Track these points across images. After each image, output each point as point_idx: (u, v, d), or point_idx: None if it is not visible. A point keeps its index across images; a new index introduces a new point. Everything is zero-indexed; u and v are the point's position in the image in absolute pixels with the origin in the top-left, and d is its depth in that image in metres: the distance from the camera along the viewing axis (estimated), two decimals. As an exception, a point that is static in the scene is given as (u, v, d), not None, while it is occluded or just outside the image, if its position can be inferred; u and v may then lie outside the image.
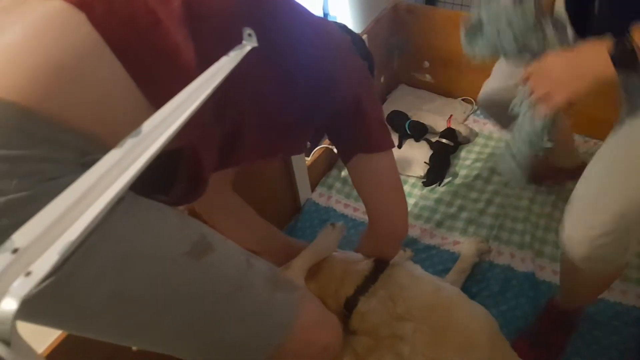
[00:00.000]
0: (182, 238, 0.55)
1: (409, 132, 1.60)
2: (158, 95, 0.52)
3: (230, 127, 0.65)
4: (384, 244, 0.95)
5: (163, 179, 0.61)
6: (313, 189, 1.51)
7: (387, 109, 1.70)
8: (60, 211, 0.44)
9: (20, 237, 0.42)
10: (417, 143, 1.59)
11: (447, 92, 1.77)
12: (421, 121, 1.61)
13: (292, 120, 0.75)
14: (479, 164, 1.51)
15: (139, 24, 0.53)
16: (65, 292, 0.48)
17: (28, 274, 0.40)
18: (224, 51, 0.53)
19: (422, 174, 1.50)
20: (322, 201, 1.48)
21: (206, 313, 0.56)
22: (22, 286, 0.40)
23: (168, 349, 0.58)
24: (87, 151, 0.49)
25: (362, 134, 0.81)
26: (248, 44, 0.53)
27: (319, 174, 1.55)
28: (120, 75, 0.51)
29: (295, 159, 1.35)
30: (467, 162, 1.53)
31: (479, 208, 1.38)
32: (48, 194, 0.44)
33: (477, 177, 1.47)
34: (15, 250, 0.41)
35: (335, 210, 1.45)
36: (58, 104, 0.47)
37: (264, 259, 0.66)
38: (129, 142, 0.45)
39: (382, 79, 1.75)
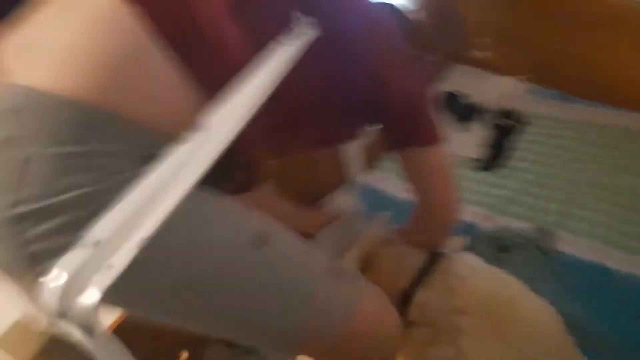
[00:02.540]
0: (244, 229, 0.56)
1: (464, 112, 1.55)
2: (209, 85, 0.52)
3: (284, 115, 0.64)
4: (433, 235, 0.93)
5: (220, 167, 0.61)
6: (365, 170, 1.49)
7: (442, 88, 1.65)
8: (137, 205, 0.44)
9: (101, 231, 0.43)
10: (473, 123, 1.54)
11: (504, 70, 1.69)
12: (477, 101, 1.56)
13: (344, 108, 0.73)
14: (538, 147, 1.45)
15: (184, 13, 0.53)
16: (133, 280, 0.49)
17: (109, 266, 0.41)
18: (278, 33, 0.52)
19: (478, 156, 1.45)
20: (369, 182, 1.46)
21: (267, 302, 0.57)
22: (104, 278, 0.41)
23: (230, 333, 0.60)
24: (146, 144, 0.50)
25: (413, 127, 0.80)
26: (308, 32, 0.51)
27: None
28: (173, 67, 0.52)
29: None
30: (525, 144, 1.47)
31: (543, 193, 1.33)
32: (117, 187, 0.46)
33: (537, 159, 1.41)
34: (97, 243, 0.42)
35: (384, 192, 1.43)
36: (119, 100, 0.49)
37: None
38: (198, 136, 0.45)
39: (437, 56, 1.69)
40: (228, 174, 0.62)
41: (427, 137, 0.81)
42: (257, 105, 0.47)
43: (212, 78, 0.53)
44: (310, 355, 0.66)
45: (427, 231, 0.93)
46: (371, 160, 1.50)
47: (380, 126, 0.85)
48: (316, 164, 1.26)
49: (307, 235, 1.12)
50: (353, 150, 1.36)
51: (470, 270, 0.86)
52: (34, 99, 0.46)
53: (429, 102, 0.81)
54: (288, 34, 0.49)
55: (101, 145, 0.47)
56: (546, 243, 1.20)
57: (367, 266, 0.94)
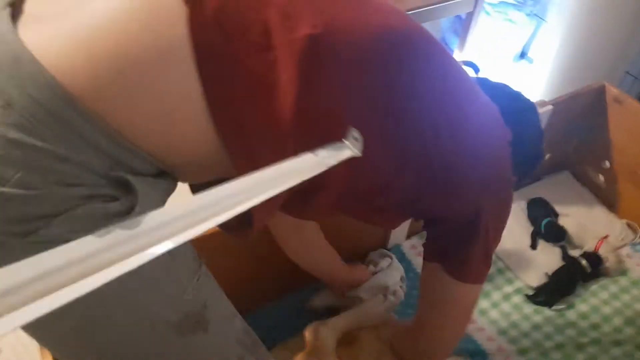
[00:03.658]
0: (178, 303, 0.49)
1: (542, 231, 1.36)
2: (231, 130, 0.44)
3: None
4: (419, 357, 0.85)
5: None
6: (409, 236, 1.38)
7: (535, 191, 1.47)
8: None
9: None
10: (548, 248, 1.35)
11: (614, 207, 1.46)
12: (565, 226, 1.37)
13: (385, 205, 0.63)
14: (607, 309, 1.24)
15: (245, 42, 0.45)
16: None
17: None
18: (337, 109, 0.43)
19: (535, 285, 1.28)
20: (410, 253, 1.34)
21: None
22: None
23: None
24: (118, 165, 0.44)
25: (459, 254, 0.67)
26: (349, 150, 0.42)
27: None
28: (195, 94, 0.44)
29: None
30: (593, 299, 1.27)
31: (581, 359, 1.14)
32: (57, 200, 0.40)
33: (597, 321, 1.21)
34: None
35: (416, 268, 1.31)
36: (112, 104, 0.42)
37: (269, 357, 0.58)
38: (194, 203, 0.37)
39: (547, 156, 1.50)
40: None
41: (467, 272, 0.69)
42: (265, 197, 0.38)
43: (237, 121, 0.46)
44: None
45: (411, 350, 0.84)
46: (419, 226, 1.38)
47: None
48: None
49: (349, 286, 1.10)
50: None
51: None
52: (23, 65, 0.40)
53: (494, 235, 0.68)
54: (332, 144, 0.40)
55: (57, 145, 0.41)
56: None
57: (346, 341, 0.89)
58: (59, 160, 0.41)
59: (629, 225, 1.42)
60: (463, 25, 1.81)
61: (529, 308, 1.25)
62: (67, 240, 0.42)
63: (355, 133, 0.40)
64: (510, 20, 1.93)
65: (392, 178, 0.56)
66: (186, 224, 0.27)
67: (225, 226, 0.59)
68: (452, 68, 0.57)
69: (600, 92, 1.37)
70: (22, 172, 0.40)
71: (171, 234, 0.27)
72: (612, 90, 1.35)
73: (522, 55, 2.11)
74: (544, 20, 2.00)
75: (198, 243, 0.87)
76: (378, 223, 0.76)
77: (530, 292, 1.27)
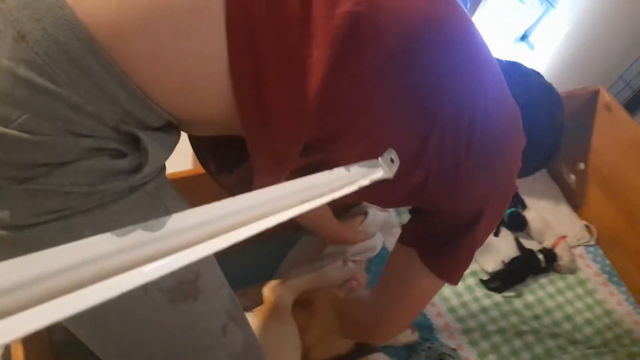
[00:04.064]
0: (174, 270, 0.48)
1: (505, 219, 1.41)
2: (250, 100, 0.42)
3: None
4: (367, 336, 0.87)
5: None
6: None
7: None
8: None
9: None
10: (509, 237, 1.40)
11: (578, 207, 1.52)
12: (529, 219, 1.41)
13: (389, 191, 0.61)
14: (550, 302, 1.32)
15: (282, 11, 0.41)
16: None
17: None
18: (364, 95, 0.41)
19: (490, 270, 1.33)
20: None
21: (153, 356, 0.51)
22: None
23: None
24: (130, 118, 0.41)
25: (445, 250, 0.66)
26: (383, 171, 0.40)
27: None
28: (220, 56, 0.41)
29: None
30: (540, 291, 1.34)
31: (518, 345, 1.22)
32: (63, 149, 0.37)
33: (539, 313, 1.29)
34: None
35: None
36: (135, 56, 0.39)
37: (249, 327, 0.58)
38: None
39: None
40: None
41: (451, 274, 0.67)
42: (286, 218, 0.33)
43: (258, 93, 0.43)
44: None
45: (363, 327, 0.86)
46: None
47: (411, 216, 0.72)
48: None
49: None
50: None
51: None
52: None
53: (484, 236, 0.67)
54: (367, 162, 0.37)
55: (83, 98, 0.38)
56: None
57: (302, 302, 0.92)
58: (71, 108, 0.37)
59: (587, 228, 1.48)
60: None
61: (480, 291, 1.31)
62: (67, 193, 0.40)
63: (393, 155, 0.38)
64: (522, 0, 1.88)
65: (407, 168, 0.53)
66: (211, 232, 0.25)
67: (225, 185, 0.57)
68: (485, 63, 0.55)
69: (594, 96, 1.38)
70: (29, 114, 0.36)
71: (195, 241, 0.25)
72: (606, 97, 1.36)
73: (524, 37, 2.08)
74: (553, 6, 1.97)
75: (180, 183, 0.85)
76: (375, 202, 0.75)
77: (485, 277, 1.33)
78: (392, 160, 0.38)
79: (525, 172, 0.71)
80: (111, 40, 0.37)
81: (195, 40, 0.40)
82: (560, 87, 1.63)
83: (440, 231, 0.65)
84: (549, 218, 1.46)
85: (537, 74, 0.73)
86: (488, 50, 0.57)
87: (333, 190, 0.31)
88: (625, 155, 1.33)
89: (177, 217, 0.25)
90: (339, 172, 0.33)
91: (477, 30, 0.56)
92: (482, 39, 0.57)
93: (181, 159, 0.66)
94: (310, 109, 0.42)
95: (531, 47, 2.06)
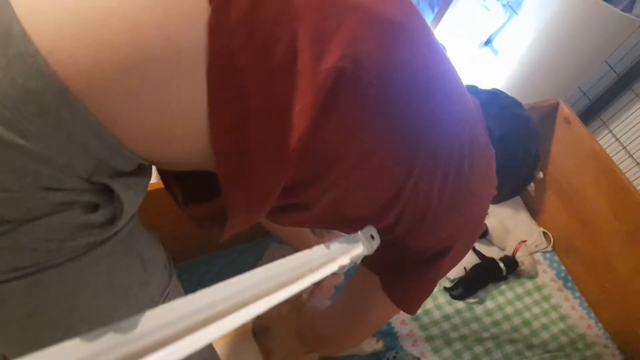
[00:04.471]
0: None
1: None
2: (228, 147, 0.41)
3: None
4: (323, 348, 0.88)
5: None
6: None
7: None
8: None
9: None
10: (472, 244, 1.44)
11: (536, 215, 1.58)
12: (489, 226, 1.45)
13: (364, 214, 0.61)
14: (509, 308, 1.36)
15: (268, 59, 0.40)
16: None
17: None
18: (344, 144, 0.40)
19: (452, 278, 1.37)
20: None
21: None
22: None
23: None
24: (102, 167, 0.39)
25: (406, 280, 0.65)
26: (362, 247, 0.38)
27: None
28: (199, 103, 0.39)
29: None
30: (500, 297, 1.39)
31: (479, 351, 1.26)
32: (31, 205, 0.35)
33: (498, 319, 1.33)
34: None
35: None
36: (109, 103, 0.36)
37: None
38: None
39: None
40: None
41: (409, 304, 0.67)
42: (279, 299, 0.30)
43: (237, 140, 0.41)
44: None
45: (320, 338, 0.87)
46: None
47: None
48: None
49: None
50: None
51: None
52: (11, 40, 0.33)
53: (451, 267, 0.67)
54: (347, 238, 0.36)
55: (52, 150, 0.35)
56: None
57: (260, 329, 0.91)
58: (40, 162, 0.35)
59: (544, 234, 1.54)
60: (442, 4, 1.77)
61: (443, 298, 1.34)
62: (33, 250, 0.38)
63: (372, 231, 0.37)
64: (486, 7, 1.91)
65: (379, 212, 0.54)
66: (186, 327, 0.24)
67: (193, 216, 0.56)
68: (460, 100, 0.55)
69: (554, 108, 1.42)
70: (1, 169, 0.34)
71: (167, 339, 0.24)
72: (565, 110, 1.40)
73: (488, 42, 2.12)
74: (516, 13, 2.01)
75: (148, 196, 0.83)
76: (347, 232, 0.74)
77: (448, 284, 1.36)
78: (372, 237, 0.37)
79: (499, 200, 0.72)
80: (86, 90, 0.35)
81: (175, 88, 0.38)
82: (522, 93, 1.67)
83: (404, 262, 0.64)
84: (509, 224, 1.51)
85: (516, 104, 0.73)
86: (459, 81, 0.58)
87: (313, 270, 0.30)
88: (582, 167, 1.38)
89: (150, 315, 0.23)
90: (318, 250, 0.32)
91: (448, 61, 0.56)
92: (454, 70, 0.57)
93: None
94: (290, 159, 0.42)
95: (495, 52, 2.10)
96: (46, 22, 0.33)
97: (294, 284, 0.27)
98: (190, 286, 1.08)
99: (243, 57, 0.38)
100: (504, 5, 1.93)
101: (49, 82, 0.33)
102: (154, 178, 0.97)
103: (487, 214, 1.42)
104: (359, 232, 0.35)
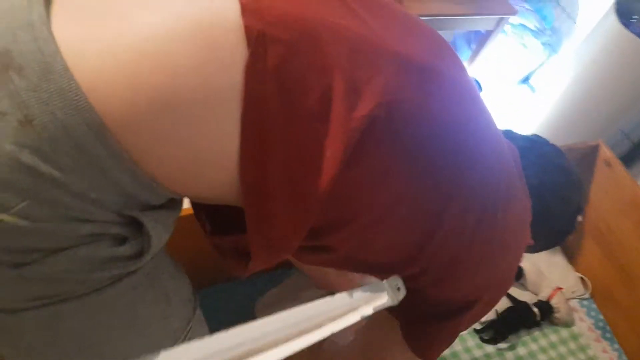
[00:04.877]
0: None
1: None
2: (255, 191, 0.41)
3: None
4: None
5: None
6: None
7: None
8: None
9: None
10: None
11: (573, 259, 1.51)
12: (525, 271, 1.40)
13: (386, 263, 0.60)
14: (543, 356, 1.30)
15: (301, 106, 0.40)
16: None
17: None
18: (371, 194, 0.40)
19: (482, 320, 1.31)
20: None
21: None
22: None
23: None
24: (133, 201, 0.39)
25: (427, 331, 0.63)
26: (387, 298, 0.37)
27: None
28: (231, 145, 0.40)
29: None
30: (533, 344, 1.33)
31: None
32: (61, 236, 0.36)
33: (530, 368, 1.27)
34: None
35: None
36: (143, 142, 0.37)
37: None
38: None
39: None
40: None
41: (423, 350, 0.64)
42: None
43: (265, 186, 0.41)
44: None
45: None
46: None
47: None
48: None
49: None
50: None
51: None
52: (54, 76, 0.34)
53: (475, 319, 0.64)
54: (371, 287, 0.35)
55: (85, 184, 0.36)
56: None
57: None
58: (73, 195, 0.36)
59: (582, 280, 1.47)
60: (479, 41, 1.77)
61: (472, 341, 1.29)
62: (59, 280, 0.39)
63: (399, 283, 0.36)
64: (524, 45, 1.90)
65: (406, 260, 0.52)
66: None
67: (218, 247, 0.56)
68: (496, 149, 0.54)
69: (594, 150, 1.38)
70: (29, 201, 0.35)
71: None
72: (606, 152, 1.36)
73: (525, 80, 2.10)
74: (555, 52, 1.98)
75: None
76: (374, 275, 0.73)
77: (478, 326, 1.31)
78: (398, 288, 0.36)
79: (535, 250, 0.70)
80: (121, 128, 0.36)
81: (208, 129, 0.39)
82: (561, 134, 1.63)
83: (426, 312, 0.62)
84: (544, 268, 1.45)
85: (557, 152, 0.70)
86: (495, 129, 0.57)
87: (334, 319, 0.29)
88: (622, 212, 1.33)
89: (166, 355, 0.23)
90: (341, 298, 0.31)
91: (484, 107, 0.55)
92: (490, 117, 0.56)
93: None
94: (316, 207, 0.42)
95: (532, 89, 2.07)
96: (88, 61, 0.35)
97: (313, 333, 0.27)
98: (210, 313, 1.08)
99: (276, 102, 0.39)
100: (543, 44, 1.91)
101: (88, 119, 0.35)
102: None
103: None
104: (385, 282, 0.34)
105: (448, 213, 0.48)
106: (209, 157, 0.40)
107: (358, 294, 0.33)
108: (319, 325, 0.27)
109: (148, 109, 0.36)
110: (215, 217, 0.57)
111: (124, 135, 0.36)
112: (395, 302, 0.35)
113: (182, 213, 0.87)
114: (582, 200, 0.71)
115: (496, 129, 0.57)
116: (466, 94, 0.52)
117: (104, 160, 0.36)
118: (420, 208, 0.47)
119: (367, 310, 0.32)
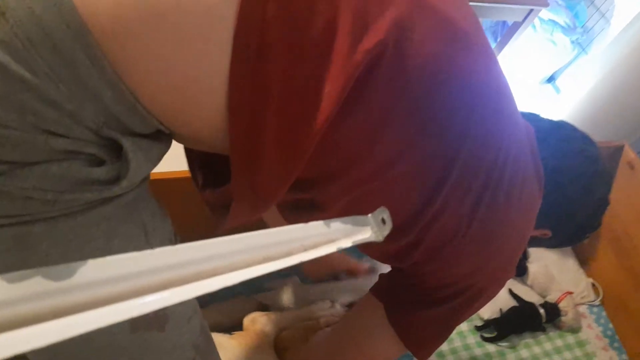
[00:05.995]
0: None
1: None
2: (244, 126, 0.38)
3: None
4: None
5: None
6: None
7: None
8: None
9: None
10: (509, 285, 1.34)
11: (585, 264, 1.45)
12: (532, 273, 1.35)
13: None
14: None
15: (302, 33, 0.36)
16: None
17: None
18: (370, 142, 0.37)
19: (486, 318, 1.27)
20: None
21: None
22: None
23: None
24: (114, 122, 0.36)
25: (418, 321, 0.59)
26: (370, 232, 0.33)
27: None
28: (221, 72, 0.36)
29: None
30: (536, 347, 1.27)
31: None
32: (31, 147, 0.32)
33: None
34: None
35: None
36: (129, 55, 0.34)
37: None
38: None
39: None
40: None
41: (415, 343, 0.61)
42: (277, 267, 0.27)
43: (257, 115, 0.38)
44: None
45: None
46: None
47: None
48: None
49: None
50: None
51: None
52: None
53: (475, 310, 0.60)
54: (353, 218, 0.31)
55: (62, 93, 0.33)
56: None
57: (284, 347, 0.86)
58: (46, 103, 0.33)
59: (593, 286, 1.42)
60: (506, 33, 1.70)
61: (472, 338, 1.25)
62: (27, 198, 0.36)
63: (385, 215, 0.32)
64: (552, 41, 1.83)
65: (401, 226, 0.48)
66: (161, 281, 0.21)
67: (208, 201, 0.53)
68: (509, 122, 0.50)
69: (618, 151, 1.32)
70: (3, 103, 0.32)
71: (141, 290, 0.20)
72: (630, 154, 1.30)
73: (550, 79, 2.03)
74: (585, 52, 1.91)
75: (157, 187, 0.81)
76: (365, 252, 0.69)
77: (480, 323, 1.27)
78: (383, 221, 0.32)
79: (553, 244, 0.65)
80: (106, 34, 0.33)
81: (199, 47, 0.35)
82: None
83: (417, 299, 0.58)
84: (554, 271, 1.40)
85: (585, 139, 0.65)
86: (514, 104, 0.52)
87: (306, 249, 0.26)
88: (642, 217, 1.26)
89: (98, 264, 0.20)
90: (316, 226, 0.27)
91: (503, 77, 0.51)
92: (510, 92, 0.51)
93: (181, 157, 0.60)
94: (308, 148, 0.38)
95: (557, 90, 2.01)
96: None
97: (280, 260, 0.23)
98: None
99: (276, 27, 0.35)
100: (572, 42, 1.84)
101: (69, 18, 0.31)
102: (174, 167, 0.96)
103: (528, 258, 1.33)
104: (369, 215, 0.31)
105: (451, 176, 0.44)
106: (199, 77, 0.36)
107: (336, 225, 0.29)
108: (288, 254, 0.24)
109: (138, 14, 0.33)
110: (208, 171, 0.54)
111: (107, 44, 0.33)
112: (380, 238, 0.31)
113: (176, 175, 0.85)
114: (607, 193, 0.66)
115: (515, 106, 0.52)
116: (484, 52, 0.47)
117: (84, 67, 0.33)
118: (418, 169, 0.43)
119: (346, 243, 0.28)
